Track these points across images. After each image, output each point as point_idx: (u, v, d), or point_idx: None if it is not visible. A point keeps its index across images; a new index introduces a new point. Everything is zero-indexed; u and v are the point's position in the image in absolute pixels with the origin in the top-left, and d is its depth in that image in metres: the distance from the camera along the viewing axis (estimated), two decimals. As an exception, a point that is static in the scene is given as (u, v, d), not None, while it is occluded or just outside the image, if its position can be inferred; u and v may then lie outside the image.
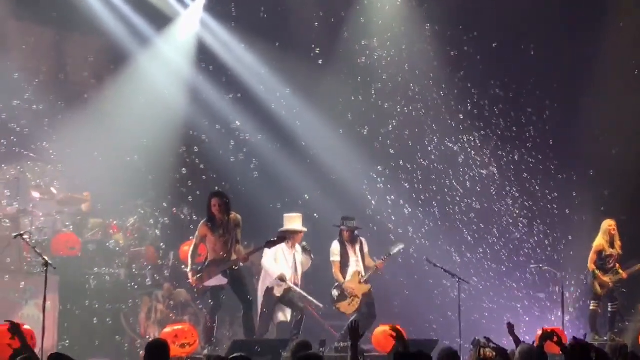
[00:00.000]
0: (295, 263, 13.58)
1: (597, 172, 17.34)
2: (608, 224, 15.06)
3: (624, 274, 14.99)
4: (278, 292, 13.40)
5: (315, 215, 15.62)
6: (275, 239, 12.97)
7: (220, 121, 17.38)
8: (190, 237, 16.20)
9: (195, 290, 13.18)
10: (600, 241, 15.01)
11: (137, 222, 16.41)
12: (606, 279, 14.88)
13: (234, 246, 12.68)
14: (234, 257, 12.65)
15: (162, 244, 16.37)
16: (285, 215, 13.89)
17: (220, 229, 12.63)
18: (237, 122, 17.40)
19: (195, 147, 17.23)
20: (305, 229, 13.75)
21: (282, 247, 13.34)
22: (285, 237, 13.19)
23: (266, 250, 13.23)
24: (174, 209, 17.04)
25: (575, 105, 17.50)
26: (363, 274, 13.89)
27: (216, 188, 14.63)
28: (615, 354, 9.73)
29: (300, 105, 17.59)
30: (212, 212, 12.67)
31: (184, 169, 17.15)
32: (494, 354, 8.13)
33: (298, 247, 13.69)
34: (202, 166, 17.27)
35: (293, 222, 13.69)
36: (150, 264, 15.86)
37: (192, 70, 17.62)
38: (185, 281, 15.86)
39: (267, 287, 13.45)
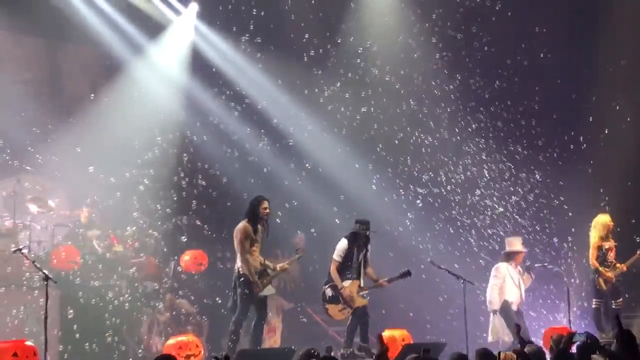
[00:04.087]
0: (519, 282, 14.70)
1: (597, 169, 17.25)
2: (606, 219, 14.96)
3: (624, 267, 14.89)
4: (514, 306, 14.49)
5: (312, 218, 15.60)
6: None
7: (217, 128, 17.29)
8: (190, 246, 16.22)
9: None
10: (597, 236, 14.90)
11: (137, 233, 16.29)
12: (609, 274, 14.77)
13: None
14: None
15: (164, 251, 16.24)
16: (507, 239, 15.13)
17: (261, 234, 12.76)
18: (236, 133, 17.32)
19: (193, 155, 17.11)
20: (526, 250, 14.94)
21: (509, 267, 14.58)
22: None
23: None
24: (174, 218, 16.93)
25: (578, 101, 17.40)
26: (362, 284, 13.61)
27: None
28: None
29: (296, 108, 17.51)
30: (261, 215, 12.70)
31: (182, 177, 17.01)
32: (515, 356, 8.00)
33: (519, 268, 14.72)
34: (200, 175, 17.17)
35: (515, 244, 14.86)
36: (151, 275, 15.74)
37: (187, 78, 17.52)
38: (186, 291, 15.83)
39: (505, 300, 14.49)
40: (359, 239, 13.51)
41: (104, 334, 14.70)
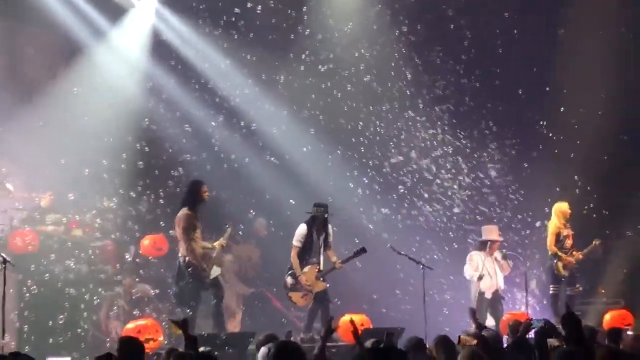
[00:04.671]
0: (495, 269, 14.99)
1: (561, 156, 17.39)
2: (565, 206, 15.12)
3: (580, 255, 15.07)
4: (488, 294, 14.85)
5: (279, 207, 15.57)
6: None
7: (179, 113, 17.19)
8: (150, 232, 16.16)
9: None
10: (556, 223, 15.06)
11: (96, 217, 16.18)
12: (570, 258, 14.95)
13: None
14: None
15: (123, 235, 16.16)
16: (483, 227, 15.44)
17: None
18: (197, 118, 17.23)
19: (154, 139, 17.01)
20: (501, 239, 15.22)
21: (483, 256, 14.95)
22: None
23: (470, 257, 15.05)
24: (134, 203, 16.85)
25: (541, 89, 17.50)
26: (321, 268, 13.68)
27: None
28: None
29: (261, 96, 17.47)
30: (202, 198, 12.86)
31: (141, 162, 16.90)
32: (473, 340, 8.06)
33: (497, 254, 15.07)
34: (160, 160, 17.09)
35: (491, 232, 15.18)
36: (110, 259, 15.66)
37: (148, 62, 17.38)
38: (146, 275, 15.80)
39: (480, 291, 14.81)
40: (317, 223, 13.62)
41: (62, 318, 14.60)
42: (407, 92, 17.79)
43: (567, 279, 15.08)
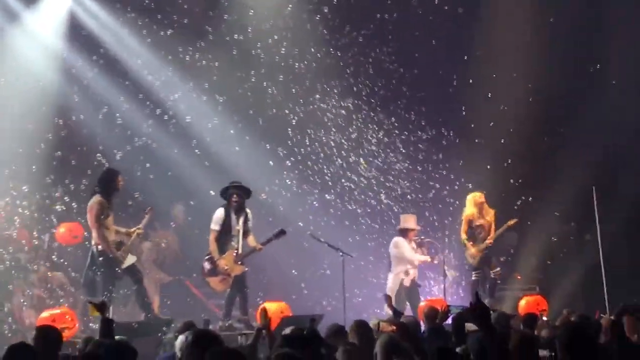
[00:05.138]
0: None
1: (480, 142, 17.60)
2: (477, 196, 15.33)
3: (490, 240, 15.28)
4: (407, 282, 14.87)
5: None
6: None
7: (95, 98, 16.91)
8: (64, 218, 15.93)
9: None
10: (469, 211, 15.26)
11: (9, 205, 15.84)
12: (474, 249, 15.16)
13: None
14: None
15: (37, 223, 15.86)
16: (402, 215, 15.54)
17: None
18: (114, 102, 16.96)
19: (70, 125, 16.70)
20: (419, 227, 15.34)
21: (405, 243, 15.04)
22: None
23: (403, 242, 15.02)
24: (48, 190, 16.53)
25: (463, 75, 17.65)
26: (240, 251, 13.62)
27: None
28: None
29: (179, 81, 17.29)
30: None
31: (59, 152, 16.59)
32: (391, 325, 8.09)
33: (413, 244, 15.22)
34: (77, 147, 16.81)
35: (409, 221, 15.28)
36: (24, 247, 15.37)
37: (64, 46, 17.02)
38: (62, 262, 15.55)
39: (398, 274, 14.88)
40: (234, 203, 13.55)
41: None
42: (325, 74, 17.75)
43: (485, 263, 15.26)
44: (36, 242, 15.67)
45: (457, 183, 17.40)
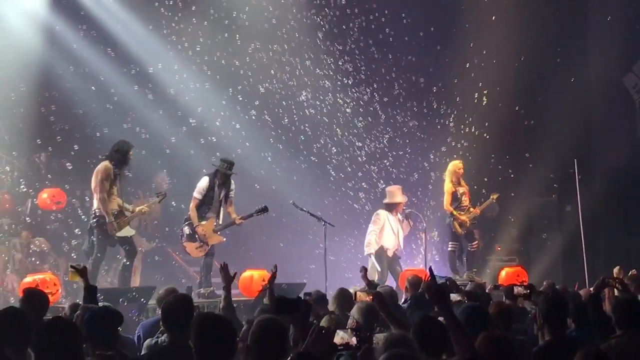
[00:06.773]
0: (398, 228, 15.20)
1: (459, 116, 17.67)
2: (456, 166, 15.38)
3: (477, 210, 15.39)
4: (390, 252, 15.05)
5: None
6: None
7: (79, 65, 16.79)
8: (47, 184, 15.90)
9: None
10: (449, 183, 15.32)
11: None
12: (464, 217, 15.23)
13: None
14: None
15: (20, 187, 15.81)
16: (387, 189, 15.49)
17: None
18: (101, 72, 16.82)
19: (54, 92, 16.59)
20: (405, 199, 15.38)
21: (389, 215, 15.02)
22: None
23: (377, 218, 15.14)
24: (32, 154, 16.48)
25: (443, 50, 17.69)
26: (220, 222, 13.64)
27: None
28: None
29: (161, 46, 17.19)
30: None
31: (42, 113, 16.46)
32: (368, 295, 8.17)
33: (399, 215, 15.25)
34: (61, 113, 16.71)
35: (395, 194, 15.20)
36: (6, 212, 15.35)
37: (49, 14, 16.82)
38: (45, 228, 15.54)
39: (381, 246, 15.01)
40: (220, 177, 13.51)
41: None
42: (311, 52, 17.74)
43: (465, 236, 15.37)
44: (19, 208, 15.62)
45: (438, 154, 17.48)
